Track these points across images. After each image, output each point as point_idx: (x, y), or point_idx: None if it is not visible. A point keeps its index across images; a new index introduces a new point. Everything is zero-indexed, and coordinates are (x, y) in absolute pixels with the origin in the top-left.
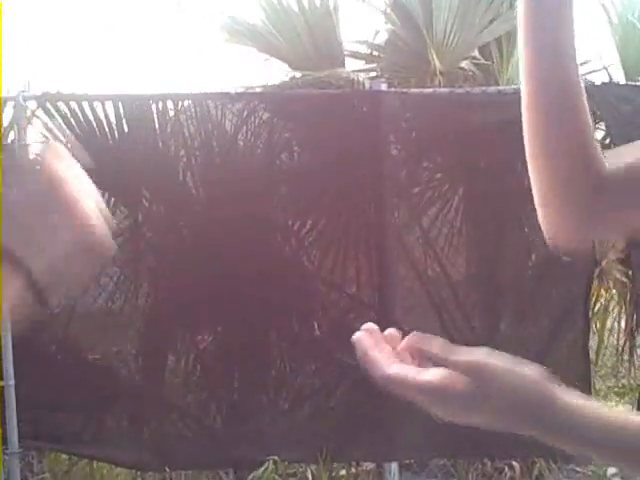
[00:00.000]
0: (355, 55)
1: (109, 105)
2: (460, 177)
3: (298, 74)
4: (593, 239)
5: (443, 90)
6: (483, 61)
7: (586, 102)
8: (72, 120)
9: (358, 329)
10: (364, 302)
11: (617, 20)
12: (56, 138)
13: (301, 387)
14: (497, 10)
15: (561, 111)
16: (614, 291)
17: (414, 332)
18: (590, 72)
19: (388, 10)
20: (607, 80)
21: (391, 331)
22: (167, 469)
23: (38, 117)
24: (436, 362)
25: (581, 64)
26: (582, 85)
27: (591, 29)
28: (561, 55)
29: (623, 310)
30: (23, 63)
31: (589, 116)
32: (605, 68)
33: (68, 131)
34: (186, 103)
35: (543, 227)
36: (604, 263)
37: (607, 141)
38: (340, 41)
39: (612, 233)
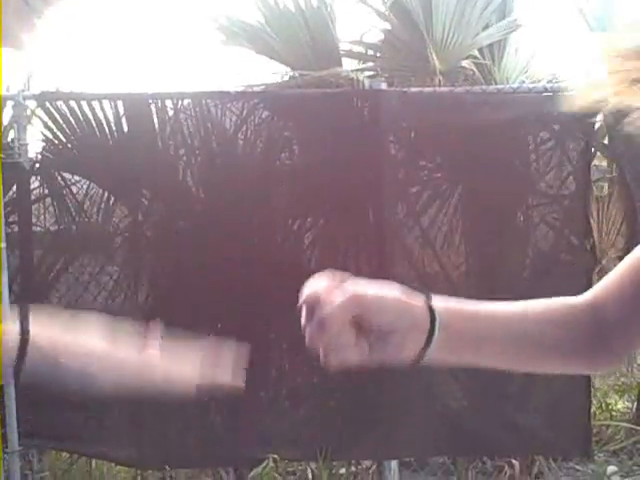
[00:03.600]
0: (354, 55)
1: (108, 104)
2: (459, 176)
3: (297, 74)
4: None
5: (443, 89)
6: (482, 61)
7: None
8: (71, 119)
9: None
10: None
11: (596, 25)
12: (56, 137)
13: (301, 386)
14: (492, 13)
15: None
16: None
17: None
18: (575, 76)
19: (387, 10)
20: None
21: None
22: (167, 467)
23: (38, 116)
24: None
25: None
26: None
27: (571, 36)
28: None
29: None
30: (22, 62)
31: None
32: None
33: (67, 130)
34: (186, 102)
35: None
36: (604, 261)
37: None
38: (338, 41)
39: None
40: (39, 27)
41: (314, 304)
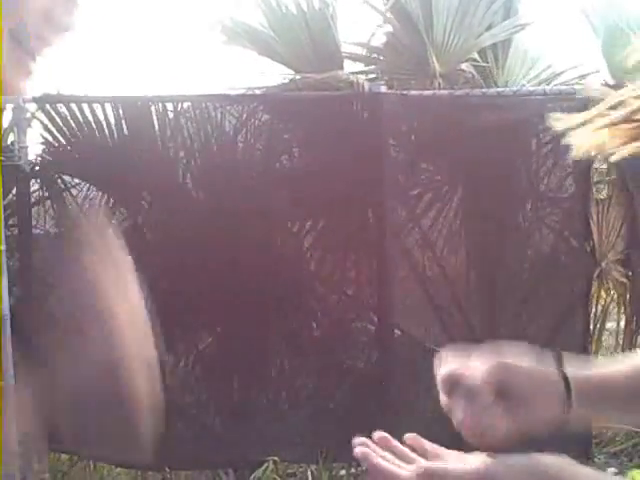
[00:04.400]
0: (354, 57)
1: (109, 107)
2: (459, 179)
3: (297, 76)
4: None
5: (443, 92)
6: (482, 63)
7: None
8: (72, 122)
9: (357, 330)
10: (363, 303)
11: (600, 23)
12: (56, 140)
13: (301, 387)
14: (495, 14)
15: None
16: (614, 292)
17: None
18: (580, 76)
19: (388, 12)
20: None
21: (381, 435)
22: (167, 469)
23: (38, 119)
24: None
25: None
26: None
27: (574, 35)
28: None
29: (623, 311)
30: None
31: None
32: (594, 72)
33: (68, 133)
34: (186, 105)
35: None
36: (604, 264)
37: None
38: (339, 44)
39: None
40: (35, 72)
41: (456, 378)
